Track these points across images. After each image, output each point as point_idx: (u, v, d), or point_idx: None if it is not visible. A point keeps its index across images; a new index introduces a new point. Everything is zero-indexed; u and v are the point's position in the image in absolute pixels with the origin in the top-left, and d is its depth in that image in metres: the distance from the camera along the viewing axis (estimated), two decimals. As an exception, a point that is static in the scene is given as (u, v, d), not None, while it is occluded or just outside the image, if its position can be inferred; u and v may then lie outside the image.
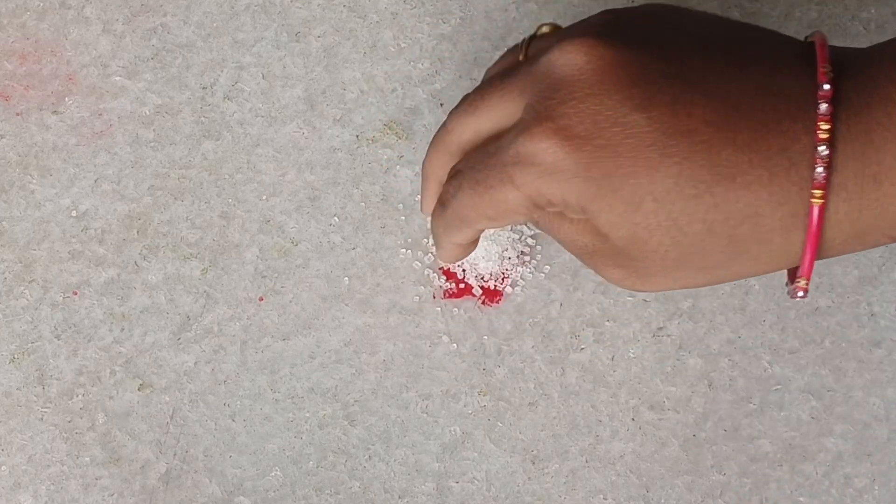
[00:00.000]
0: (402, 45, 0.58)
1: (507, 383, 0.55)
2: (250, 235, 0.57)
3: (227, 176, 0.57)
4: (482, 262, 0.56)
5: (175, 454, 0.55)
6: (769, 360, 0.55)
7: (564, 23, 0.58)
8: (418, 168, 0.57)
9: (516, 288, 0.56)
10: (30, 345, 0.56)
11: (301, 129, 0.57)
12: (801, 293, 0.45)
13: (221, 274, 0.56)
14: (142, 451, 0.55)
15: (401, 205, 0.57)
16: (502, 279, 0.56)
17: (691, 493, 0.54)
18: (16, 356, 0.56)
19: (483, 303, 0.56)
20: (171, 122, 0.58)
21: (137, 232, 0.57)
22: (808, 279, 0.45)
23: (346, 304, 0.56)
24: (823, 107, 0.43)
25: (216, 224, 0.57)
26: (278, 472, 0.55)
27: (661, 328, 0.55)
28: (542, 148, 0.45)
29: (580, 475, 0.54)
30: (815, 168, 0.43)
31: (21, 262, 0.56)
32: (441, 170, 0.50)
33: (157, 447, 0.55)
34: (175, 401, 0.55)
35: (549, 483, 0.54)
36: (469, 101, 0.48)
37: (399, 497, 0.54)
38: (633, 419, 0.55)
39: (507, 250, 0.56)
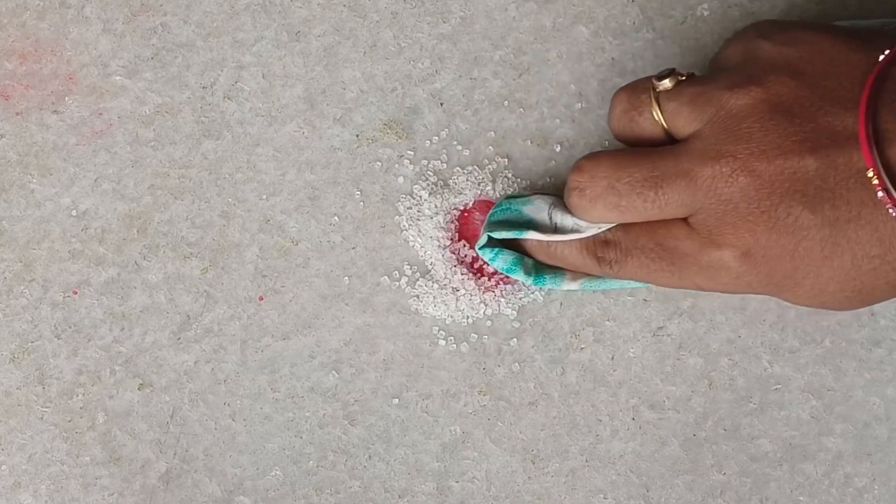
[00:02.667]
0: (403, 45, 0.58)
1: (507, 383, 0.55)
2: (250, 235, 0.57)
3: (227, 175, 0.57)
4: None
5: (175, 454, 0.55)
6: (769, 359, 0.55)
7: (565, 22, 0.58)
8: (419, 168, 0.57)
9: (516, 285, 0.56)
10: (30, 344, 0.56)
11: (301, 128, 0.57)
12: None
13: (221, 273, 0.56)
14: (142, 450, 0.55)
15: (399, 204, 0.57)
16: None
17: (691, 493, 0.54)
18: (16, 355, 0.56)
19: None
20: (171, 122, 0.58)
21: (137, 231, 0.57)
22: None
23: (347, 304, 0.56)
24: (892, 213, 0.47)
25: (216, 223, 0.57)
26: (278, 472, 0.54)
27: (661, 328, 0.55)
28: (725, 266, 0.49)
29: (580, 475, 0.54)
30: None
31: (21, 262, 0.56)
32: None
33: (157, 447, 0.55)
34: (175, 400, 0.55)
35: (549, 482, 0.54)
36: (605, 189, 0.50)
37: (399, 496, 0.54)
38: (633, 419, 0.55)
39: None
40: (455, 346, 0.55)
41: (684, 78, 0.50)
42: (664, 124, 0.50)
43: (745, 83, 0.49)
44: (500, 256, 0.53)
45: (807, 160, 0.47)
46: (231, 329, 0.56)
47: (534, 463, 0.54)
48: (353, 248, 0.56)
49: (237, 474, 0.54)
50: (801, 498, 0.54)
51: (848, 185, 0.47)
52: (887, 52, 0.48)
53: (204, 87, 0.58)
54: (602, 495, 0.54)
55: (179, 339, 0.56)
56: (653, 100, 0.50)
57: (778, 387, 0.55)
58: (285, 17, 0.59)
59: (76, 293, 0.56)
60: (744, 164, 0.48)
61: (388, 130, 0.57)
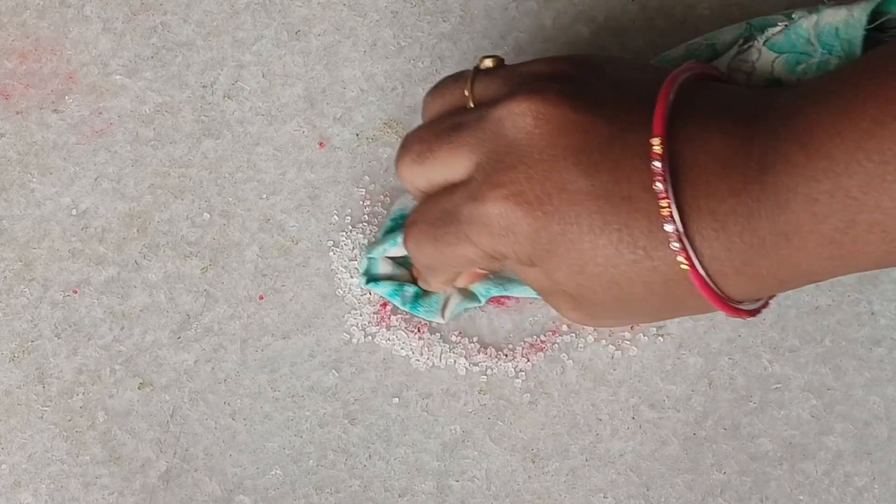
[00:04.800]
0: (403, 44, 0.58)
1: (507, 382, 0.55)
2: (250, 234, 0.57)
3: (227, 174, 0.57)
4: None
5: (175, 453, 0.55)
6: (769, 358, 0.55)
7: (564, 22, 0.58)
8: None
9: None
10: (30, 343, 0.56)
11: (301, 127, 0.57)
12: (753, 316, 0.48)
13: (221, 272, 0.56)
14: (142, 449, 0.55)
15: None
16: None
17: (691, 492, 0.54)
18: (16, 355, 0.56)
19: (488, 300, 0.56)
20: (172, 121, 0.58)
21: (137, 230, 0.57)
22: (745, 313, 0.47)
23: (347, 303, 0.56)
24: (659, 185, 0.45)
25: (216, 223, 0.57)
26: (278, 471, 0.54)
27: (661, 327, 0.55)
28: (496, 211, 0.46)
29: (580, 474, 0.54)
30: (671, 243, 0.45)
31: (21, 261, 0.56)
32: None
33: (157, 446, 0.55)
34: (175, 399, 0.55)
35: (549, 482, 0.54)
36: (417, 153, 0.49)
37: (399, 496, 0.54)
38: (633, 418, 0.55)
39: None
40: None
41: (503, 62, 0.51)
42: (472, 97, 0.49)
43: (551, 59, 0.49)
44: (378, 286, 0.55)
45: (600, 124, 0.46)
46: (231, 328, 0.56)
47: (534, 462, 0.54)
48: (354, 247, 0.56)
49: (237, 473, 0.54)
50: (802, 497, 0.54)
51: (633, 163, 0.45)
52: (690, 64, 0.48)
53: (204, 87, 0.58)
54: (602, 494, 0.54)
55: (179, 338, 0.56)
56: (470, 78, 0.50)
57: (778, 386, 0.55)
58: (285, 17, 0.59)
59: (76, 292, 0.56)
60: (535, 106, 0.46)
61: (389, 130, 0.57)
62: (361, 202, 0.57)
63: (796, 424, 0.54)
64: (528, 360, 0.55)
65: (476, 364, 0.55)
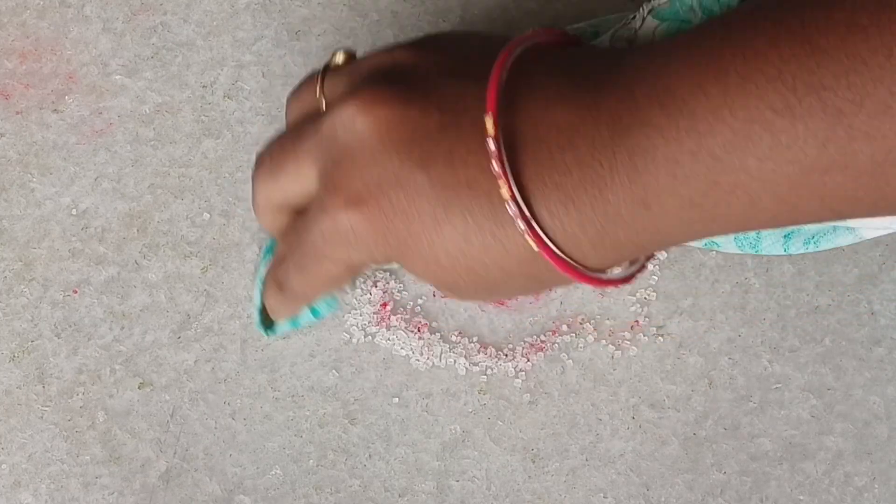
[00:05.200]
0: (403, 44, 0.58)
1: (507, 382, 0.55)
2: (250, 234, 0.57)
3: (227, 174, 0.57)
4: None
5: (175, 453, 0.55)
6: (769, 358, 0.55)
7: (565, 22, 0.58)
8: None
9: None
10: (30, 343, 0.56)
11: (301, 127, 0.57)
12: (618, 286, 0.47)
13: (222, 272, 0.56)
14: (142, 449, 0.55)
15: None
16: None
17: (691, 492, 0.54)
18: (16, 354, 0.56)
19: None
20: (172, 121, 0.58)
21: (137, 230, 0.57)
22: (612, 284, 0.46)
23: (346, 303, 0.56)
24: (495, 166, 0.43)
25: (216, 222, 0.57)
26: (278, 471, 0.54)
27: (661, 327, 0.55)
28: (340, 222, 0.45)
29: (580, 474, 0.54)
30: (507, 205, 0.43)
31: (21, 261, 0.56)
32: (273, 227, 0.51)
33: (157, 446, 0.55)
34: (175, 399, 0.55)
35: (549, 481, 0.54)
36: (267, 167, 0.49)
37: (399, 496, 0.54)
38: (633, 417, 0.55)
39: None
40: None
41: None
42: (324, 98, 0.48)
43: (394, 48, 0.47)
44: (276, 332, 0.55)
45: (430, 113, 0.44)
46: (231, 328, 0.56)
47: (534, 462, 0.54)
48: (354, 247, 0.56)
49: (237, 473, 0.54)
50: (802, 497, 0.54)
51: (469, 146, 0.43)
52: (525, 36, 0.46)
53: (204, 86, 0.58)
54: (602, 494, 0.54)
55: (179, 338, 0.56)
56: (319, 78, 0.49)
57: (778, 386, 0.55)
58: (285, 17, 0.59)
59: (76, 292, 0.56)
60: (363, 107, 0.45)
61: (389, 129, 0.57)
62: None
63: (796, 424, 0.54)
64: (528, 360, 0.55)
65: (476, 364, 0.55)
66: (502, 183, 0.43)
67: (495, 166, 0.43)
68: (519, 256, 0.44)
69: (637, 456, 0.54)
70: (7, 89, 0.58)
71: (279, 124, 0.57)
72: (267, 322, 0.55)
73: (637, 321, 0.55)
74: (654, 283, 0.56)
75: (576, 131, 0.43)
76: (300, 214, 0.49)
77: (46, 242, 0.57)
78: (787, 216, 0.42)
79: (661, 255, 0.56)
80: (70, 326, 0.56)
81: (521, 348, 0.55)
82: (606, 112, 0.42)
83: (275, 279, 0.51)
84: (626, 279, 0.47)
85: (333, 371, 0.55)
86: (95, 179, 0.57)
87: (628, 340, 0.55)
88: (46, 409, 0.55)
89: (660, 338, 0.55)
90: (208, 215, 0.57)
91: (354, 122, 0.45)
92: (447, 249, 0.44)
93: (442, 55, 0.46)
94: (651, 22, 0.47)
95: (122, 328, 0.56)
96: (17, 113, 0.58)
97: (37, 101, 0.58)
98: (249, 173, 0.57)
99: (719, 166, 0.40)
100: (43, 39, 0.59)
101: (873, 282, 0.55)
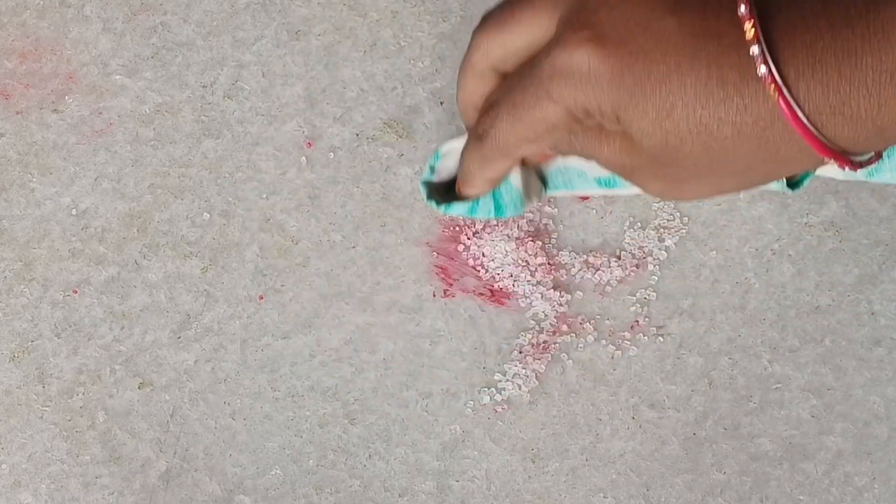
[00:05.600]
0: (403, 44, 0.58)
1: (507, 382, 0.55)
2: (250, 234, 0.57)
3: (227, 174, 0.57)
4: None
5: (175, 453, 0.55)
6: (769, 358, 0.55)
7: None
8: (418, 166, 0.57)
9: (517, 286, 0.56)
10: (30, 343, 0.56)
11: (301, 127, 0.57)
12: (858, 169, 0.45)
13: (221, 272, 0.56)
14: (142, 449, 0.55)
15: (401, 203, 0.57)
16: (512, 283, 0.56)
17: (691, 492, 0.54)
18: (16, 354, 0.56)
19: (489, 300, 0.56)
20: (172, 121, 0.58)
21: (137, 230, 0.57)
22: (850, 164, 0.44)
23: (346, 303, 0.56)
24: (742, 8, 0.43)
25: (216, 222, 0.57)
26: (278, 471, 0.55)
27: (661, 327, 0.55)
28: (577, 57, 0.44)
29: (580, 474, 0.54)
30: (758, 67, 0.42)
31: (21, 261, 0.56)
32: (475, 95, 0.49)
33: (157, 446, 0.55)
34: (175, 399, 0.55)
35: (549, 482, 0.54)
36: (496, 19, 0.47)
37: (399, 496, 0.54)
38: (633, 418, 0.55)
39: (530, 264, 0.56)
40: (455, 344, 0.55)
41: None
42: None
43: None
44: (451, 209, 0.51)
45: None
46: (231, 328, 0.56)
47: (534, 462, 0.54)
48: (353, 246, 0.56)
49: (237, 473, 0.54)
50: (802, 497, 0.54)
51: (723, 1, 0.43)
52: None
53: (204, 86, 0.58)
54: (602, 494, 0.54)
55: (179, 338, 0.56)
56: None
57: (778, 386, 0.55)
58: (285, 16, 0.59)
59: (76, 292, 0.56)
60: None
61: (389, 129, 0.57)
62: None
63: (796, 424, 0.54)
64: (528, 360, 0.55)
65: (477, 364, 0.55)
66: (749, 24, 0.43)
67: (742, 9, 0.43)
68: (757, 114, 0.43)
69: (637, 456, 0.54)
70: (7, 89, 0.58)
71: (279, 124, 0.57)
72: (439, 197, 0.51)
73: (637, 321, 0.55)
74: (654, 283, 0.56)
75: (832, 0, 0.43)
76: (522, 65, 0.47)
77: (46, 242, 0.57)
78: None
79: (662, 256, 0.56)
80: (70, 326, 0.56)
81: (521, 348, 0.55)
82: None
83: (477, 130, 0.49)
84: (856, 163, 0.45)
85: (333, 371, 0.55)
86: (95, 179, 0.57)
87: (628, 340, 0.55)
88: (46, 409, 0.55)
89: (660, 338, 0.55)
90: (208, 215, 0.57)
91: None
92: (685, 99, 0.44)
93: None
94: None
95: (122, 328, 0.56)
96: (17, 113, 0.58)
97: (37, 101, 0.58)
98: (249, 173, 0.57)
99: None
100: (43, 39, 0.59)
101: (873, 282, 0.55)
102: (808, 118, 0.43)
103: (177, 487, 0.54)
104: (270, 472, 0.55)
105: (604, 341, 0.55)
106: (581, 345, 0.55)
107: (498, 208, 0.51)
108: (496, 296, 0.56)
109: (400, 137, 0.57)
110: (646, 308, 0.55)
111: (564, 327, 0.55)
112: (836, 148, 0.44)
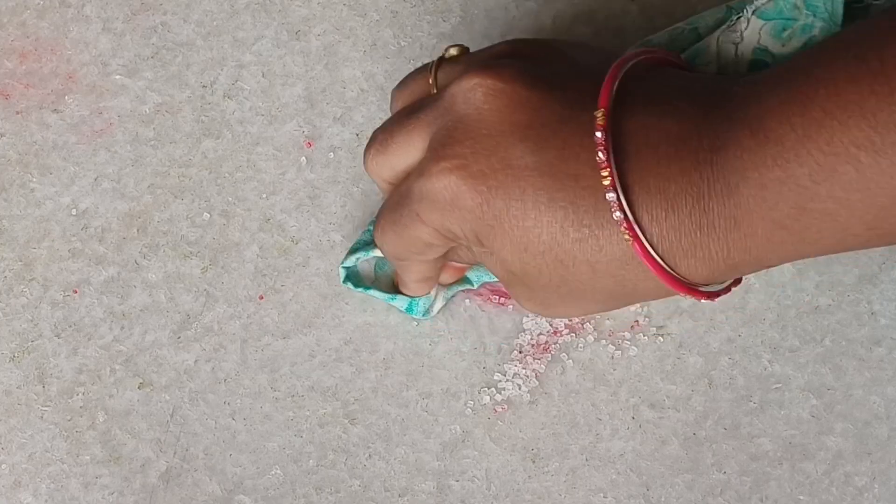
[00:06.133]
0: (403, 44, 0.58)
1: (507, 382, 0.55)
2: (250, 234, 0.57)
3: (227, 174, 0.57)
4: None
5: (175, 453, 0.55)
6: (769, 358, 0.55)
7: (564, 22, 0.58)
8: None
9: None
10: (30, 343, 0.56)
11: (301, 127, 0.57)
12: (715, 299, 0.47)
13: (221, 272, 0.56)
14: (142, 449, 0.55)
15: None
16: None
17: (691, 492, 0.54)
18: (16, 355, 0.56)
19: (489, 300, 0.56)
20: (172, 121, 0.58)
21: (137, 230, 0.57)
22: (707, 297, 0.46)
23: (347, 303, 0.56)
24: (601, 155, 0.44)
25: (216, 222, 0.57)
26: (278, 471, 0.54)
27: (661, 327, 0.55)
28: (440, 185, 0.46)
29: (580, 473, 0.54)
30: (614, 212, 0.44)
31: (21, 261, 0.56)
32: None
33: (157, 446, 0.55)
34: (175, 399, 0.55)
35: (549, 481, 0.54)
36: (378, 142, 0.49)
37: (399, 496, 0.54)
38: (633, 417, 0.55)
39: None
40: (455, 344, 0.55)
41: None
42: (436, 86, 0.49)
43: (512, 41, 0.49)
44: (369, 291, 0.55)
45: (552, 102, 0.45)
46: (231, 328, 0.56)
47: (534, 462, 0.54)
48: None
49: (237, 473, 0.54)
50: (802, 497, 0.54)
51: (582, 141, 0.44)
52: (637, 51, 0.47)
53: (204, 86, 0.58)
54: (602, 494, 0.54)
55: (179, 338, 0.56)
56: (434, 67, 0.50)
57: (778, 386, 0.55)
58: (285, 16, 0.59)
59: (76, 292, 0.56)
60: (487, 80, 0.46)
61: (389, 129, 0.57)
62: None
63: (796, 424, 0.54)
64: (529, 360, 0.55)
65: (477, 364, 0.55)
66: (606, 173, 0.44)
67: (601, 155, 0.44)
68: (611, 255, 0.45)
69: (637, 456, 0.54)
70: (7, 89, 0.58)
71: (279, 124, 0.57)
72: (355, 279, 0.55)
73: (637, 321, 0.55)
74: (654, 283, 0.56)
75: (683, 143, 0.44)
76: (405, 176, 0.49)
77: (46, 242, 0.57)
78: (879, 241, 0.43)
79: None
80: (70, 326, 0.56)
81: (521, 348, 0.55)
82: (709, 130, 0.44)
83: (375, 232, 0.51)
84: (712, 294, 0.47)
85: (333, 371, 0.55)
86: (95, 179, 0.57)
87: (628, 340, 0.55)
88: (46, 409, 0.55)
89: (660, 338, 0.55)
90: (208, 215, 0.57)
91: (476, 93, 0.46)
92: (541, 236, 0.45)
93: (562, 55, 0.48)
94: (756, 22, 0.49)
95: (122, 328, 0.56)
96: (17, 113, 0.58)
97: (37, 101, 0.58)
98: (249, 173, 0.57)
99: (807, 194, 0.42)
100: (43, 39, 0.59)
101: (873, 282, 0.55)
102: (662, 259, 0.45)
103: (177, 487, 0.54)
104: (270, 472, 0.54)
105: (604, 341, 0.55)
106: (581, 345, 0.55)
107: (410, 307, 0.55)
108: (496, 296, 0.56)
109: (400, 137, 0.57)
110: (646, 308, 0.55)
111: (564, 328, 0.55)
112: (693, 284, 0.46)
